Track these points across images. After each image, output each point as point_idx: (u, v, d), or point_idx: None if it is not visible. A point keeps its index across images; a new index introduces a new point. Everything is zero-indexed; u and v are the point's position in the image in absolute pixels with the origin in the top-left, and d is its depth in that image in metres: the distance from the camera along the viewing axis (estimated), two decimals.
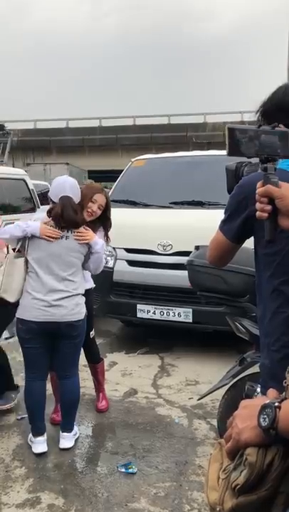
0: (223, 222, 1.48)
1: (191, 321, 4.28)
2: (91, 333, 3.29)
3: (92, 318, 3.28)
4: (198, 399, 3.06)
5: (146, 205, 4.70)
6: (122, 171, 5.46)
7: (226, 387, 2.74)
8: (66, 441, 2.88)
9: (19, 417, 3.26)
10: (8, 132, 21.42)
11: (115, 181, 5.25)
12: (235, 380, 2.68)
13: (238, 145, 1.15)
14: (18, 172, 7.53)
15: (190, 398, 3.61)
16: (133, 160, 5.30)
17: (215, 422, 3.22)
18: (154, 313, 4.37)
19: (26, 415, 2.97)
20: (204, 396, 2.82)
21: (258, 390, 2.38)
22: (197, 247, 2.82)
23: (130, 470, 2.66)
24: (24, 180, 7.26)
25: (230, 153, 1.49)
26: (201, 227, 4.36)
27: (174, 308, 4.31)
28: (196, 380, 3.96)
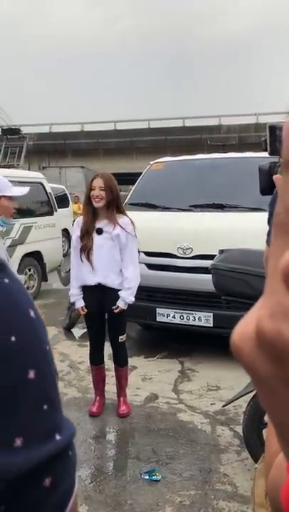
0: (268, 235, 1.42)
1: (211, 325, 4.23)
2: (121, 337, 3.29)
3: (125, 323, 3.31)
4: (223, 405, 3.01)
5: (165, 208, 4.66)
6: (138, 173, 5.43)
7: (251, 394, 2.68)
8: None
9: None
10: (24, 136, 21.63)
11: (131, 184, 5.23)
12: None
13: (280, 143, 1.12)
14: (36, 175, 7.55)
15: (212, 404, 3.56)
16: (152, 163, 5.27)
17: (238, 429, 3.17)
18: (174, 317, 4.33)
19: None
20: (229, 403, 2.76)
21: None
22: (222, 251, 2.78)
23: (154, 477, 2.62)
24: (42, 184, 7.28)
25: (271, 153, 1.44)
26: (221, 230, 4.35)
27: (194, 312, 4.26)
28: (217, 385, 3.90)
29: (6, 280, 0.37)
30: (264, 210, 4.45)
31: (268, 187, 1.78)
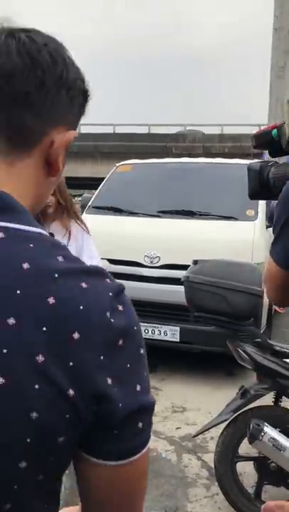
0: (273, 244, 1.15)
1: (178, 340, 3.95)
2: None
3: None
4: (193, 436, 2.72)
5: (132, 213, 4.36)
6: (102, 178, 5.12)
7: (224, 424, 2.40)
8: None
9: None
10: None
11: (94, 189, 4.92)
12: (236, 414, 2.35)
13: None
14: None
15: (177, 428, 3.27)
16: (118, 165, 4.96)
17: (207, 458, 2.89)
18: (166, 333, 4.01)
19: None
20: (200, 433, 2.48)
21: (265, 429, 2.06)
22: (196, 262, 2.50)
23: None
24: None
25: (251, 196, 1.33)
26: (192, 238, 4.09)
27: (159, 325, 3.97)
28: (183, 406, 3.61)
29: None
30: (236, 219, 4.27)
31: (257, 191, 1.53)
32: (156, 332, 3.98)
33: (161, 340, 3.97)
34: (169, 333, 3.96)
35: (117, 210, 4.45)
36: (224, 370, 4.23)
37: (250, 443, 2.11)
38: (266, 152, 1.62)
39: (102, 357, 0.52)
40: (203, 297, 2.36)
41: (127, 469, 0.57)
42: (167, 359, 4.40)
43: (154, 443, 3.05)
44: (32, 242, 0.54)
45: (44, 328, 0.50)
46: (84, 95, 0.65)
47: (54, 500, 0.58)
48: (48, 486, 0.55)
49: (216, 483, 2.58)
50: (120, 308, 0.55)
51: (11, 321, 0.49)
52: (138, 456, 0.57)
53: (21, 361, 0.49)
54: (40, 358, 0.49)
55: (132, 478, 0.59)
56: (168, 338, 3.97)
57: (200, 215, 4.16)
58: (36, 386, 0.49)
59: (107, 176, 4.94)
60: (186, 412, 3.52)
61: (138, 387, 0.55)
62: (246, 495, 2.31)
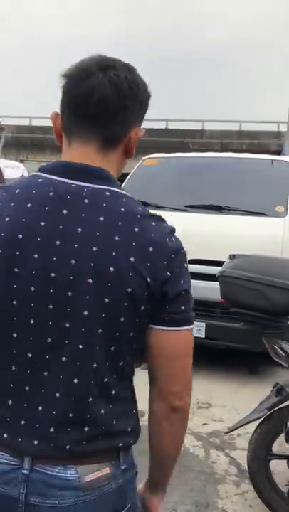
0: None
1: (203, 336, 3.93)
2: None
3: None
4: (226, 432, 2.69)
5: (158, 207, 4.31)
6: (126, 174, 5.09)
7: (258, 421, 2.37)
8: None
9: None
10: (2, 128, 20.93)
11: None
12: (270, 412, 2.32)
13: None
14: (16, 165, 7.14)
15: (204, 424, 3.25)
16: (144, 158, 4.93)
17: (235, 455, 2.87)
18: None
19: None
20: (233, 430, 2.44)
21: None
22: (233, 256, 2.46)
23: None
24: (22, 176, 6.87)
25: None
26: (219, 234, 4.04)
27: None
28: (208, 402, 3.59)
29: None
30: (265, 215, 4.21)
31: None
32: None
33: None
34: (195, 328, 3.90)
35: (143, 204, 4.41)
36: (248, 367, 4.20)
37: (288, 441, 2.09)
38: (286, 148, 1.57)
39: (164, 262, 0.90)
40: (241, 292, 2.33)
41: (175, 336, 0.94)
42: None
43: None
44: (123, 197, 0.94)
45: (133, 244, 0.89)
46: (148, 100, 1.00)
47: (135, 357, 0.97)
48: (134, 341, 0.93)
49: (246, 481, 2.56)
50: (173, 238, 0.94)
51: (116, 238, 0.88)
52: (182, 328, 0.94)
53: (123, 259, 0.88)
54: (132, 259, 0.88)
55: (179, 345, 0.96)
56: (193, 334, 3.94)
57: (228, 210, 4.11)
58: (130, 274, 0.88)
59: (133, 170, 4.91)
60: (212, 408, 3.50)
61: (181, 281, 0.93)
62: (280, 493, 2.28)
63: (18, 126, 22.74)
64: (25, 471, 0.88)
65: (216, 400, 3.61)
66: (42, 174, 0.94)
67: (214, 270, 3.17)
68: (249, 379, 4.01)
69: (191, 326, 0.97)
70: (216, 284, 3.07)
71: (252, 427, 2.35)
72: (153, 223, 0.92)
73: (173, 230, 0.95)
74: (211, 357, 4.32)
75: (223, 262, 2.63)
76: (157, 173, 4.65)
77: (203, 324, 3.90)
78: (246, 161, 4.57)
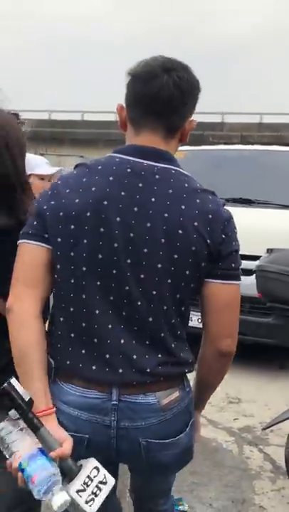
0: None
1: None
2: None
3: None
4: (263, 429, 2.66)
5: None
6: None
7: None
8: None
9: None
10: (23, 122, 21.03)
11: None
12: None
13: None
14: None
15: (235, 419, 3.22)
16: None
17: (268, 450, 2.84)
18: (192, 319, 3.97)
19: None
20: (269, 426, 2.41)
21: None
22: (270, 250, 2.42)
23: (180, 507, 2.27)
24: None
25: None
26: (250, 227, 3.96)
27: None
28: (238, 397, 3.56)
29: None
30: None
31: None
32: None
33: None
34: None
35: None
36: (277, 362, 4.16)
37: None
38: None
39: (221, 227, 1.12)
40: (279, 287, 2.29)
41: (226, 288, 1.15)
42: None
43: (212, 433, 3.03)
44: (185, 176, 1.17)
45: (196, 212, 1.11)
46: (199, 94, 1.18)
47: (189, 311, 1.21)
48: (194, 292, 1.17)
49: (281, 477, 2.54)
50: (225, 209, 1.16)
51: (183, 207, 1.10)
52: (231, 282, 1.15)
53: (189, 224, 1.09)
54: (196, 223, 1.10)
55: (228, 296, 1.16)
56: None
57: (258, 203, 4.05)
58: (194, 236, 1.09)
59: None
60: (242, 403, 3.47)
61: (233, 243, 1.15)
62: None
63: (38, 120, 22.84)
64: (114, 402, 1.10)
65: (245, 395, 3.58)
66: (117, 155, 1.15)
67: (244, 264, 3.14)
68: (278, 375, 3.97)
69: (239, 282, 1.16)
70: (244, 279, 3.03)
71: (285, 423, 2.33)
72: (210, 196, 1.16)
73: (224, 204, 1.17)
74: (240, 352, 4.28)
75: (254, 256, 2.59)
76: (184, 166, 4.56)
77: None
78: (274, 153, 4.49)
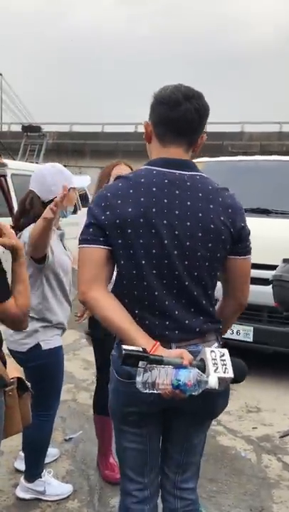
0: None
1: (251, 340, 3.90)
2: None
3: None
4: (280, 437, 2.68)
5: None
6: None
7: None
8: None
9: (67, 438, 2.94)
10: (44, 134, 21.44)
11: None
12: None
13: None
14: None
15: (254, 428, 3.23)
16: None
17: (287, 459, 2.85)
18: None
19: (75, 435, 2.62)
20: (286, 435, 2.43)
21: None
22: (287, 260, 2.45)
23: None
24: None
25: None
26: (267, 237, 4.00)
27: (233, 325, 3.93)
28: (257, 406, 3.57)
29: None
30: None
31: None
32: (229, 332, 3.93)
33: (234, 340, 3.93)
34: (242, 332, 3.92)
35: None
36: None
37: None
38: None
39: (239, 216, 1.47)
40: None
41: (243, 262, 1.53)
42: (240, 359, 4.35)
43: (231, 441, 3.05)
44: (206, 179, 1.49)
45: (220, 208, 1.44)
46: (208, 114, 1.49)
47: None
48: (220, 268, 1.52)
49: None
50: (238, 200, 1.50)
51: (211, 206, 1.43)
52: (247, 257, 1.53)
53: (217, 219, 1.43)
54: (222, 217, 1.44)
55: (246, 267, 1.54)
56: (240, 337, 3.93)
57: (276, 213, 4.08)
58: (222, 227, 1.44)
59: None
60: (261, 412, 3.48)
61: (246, 227, 1.51)
62: None
63: (59, 132, 23.24)
64: None
65: (264, 404, 3.59)
66: (153, 167, 1.45)
67: (263, 274, 3.17)
68: None
69: (250, 256, 1.54)
70: (264, 288, 3.07)
71: None
72: (226, 193, 1.49)
73: (234, 195, 1.51)
74: (259, 361, 4.29)
75: (272, 265, 2.63)
76: None
77: (251, 328, 3.88)
78: None
